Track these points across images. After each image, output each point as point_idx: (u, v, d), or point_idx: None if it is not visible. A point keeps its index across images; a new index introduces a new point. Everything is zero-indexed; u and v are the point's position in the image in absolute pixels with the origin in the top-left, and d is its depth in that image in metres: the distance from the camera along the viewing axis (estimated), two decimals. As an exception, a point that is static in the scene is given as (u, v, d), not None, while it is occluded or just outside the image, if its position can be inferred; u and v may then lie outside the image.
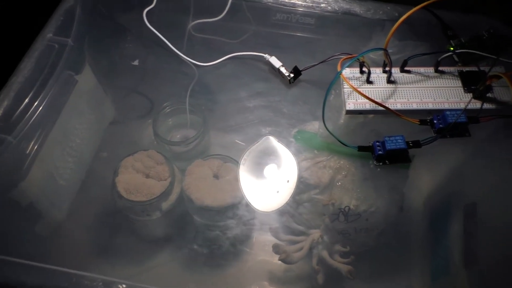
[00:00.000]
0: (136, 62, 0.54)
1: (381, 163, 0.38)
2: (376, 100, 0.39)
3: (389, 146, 0.36)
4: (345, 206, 0.45)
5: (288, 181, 0.46)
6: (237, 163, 0.48)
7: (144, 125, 0.56)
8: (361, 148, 0.39)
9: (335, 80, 0.38)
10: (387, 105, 0.39)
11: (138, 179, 0.47)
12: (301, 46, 0.55)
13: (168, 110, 0.54)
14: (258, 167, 0.47)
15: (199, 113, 0.53)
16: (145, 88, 0.56)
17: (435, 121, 0.39)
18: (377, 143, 0.38)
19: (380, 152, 0.38)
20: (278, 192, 0.46)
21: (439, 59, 0.41)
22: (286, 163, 0.47)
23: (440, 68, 0.43)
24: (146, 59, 0.55)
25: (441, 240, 0.47)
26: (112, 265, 0.48)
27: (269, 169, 0.47)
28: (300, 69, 0.50)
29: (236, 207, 0.47)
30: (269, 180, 0.46)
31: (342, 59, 0.39)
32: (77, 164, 0.53)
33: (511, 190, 0.41)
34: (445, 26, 0.47)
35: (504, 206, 0.40)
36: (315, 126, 0.45)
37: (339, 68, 0.39)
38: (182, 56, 0.53)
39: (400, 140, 0.37)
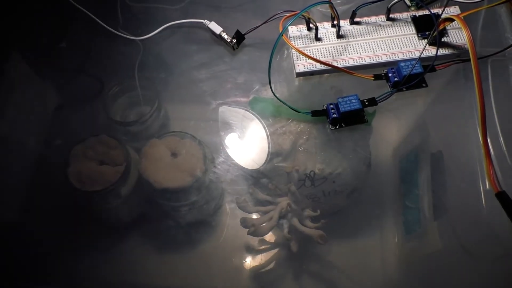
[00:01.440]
0: (63, 44, 0.49)
1: (337, 127, 0.36)
2: (325, 58, 0.37)
3: (343, 108, 0.34)
4: (310, 171, 0.43)
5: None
6: (195, 139, 0.45)
7: (97, 107, 0.53)
8: (315, 113, 0.37)
9: (277, 42, 0.35)
10: (338, 62, 0.36)
11: (91, 167, 0.45)
12: (244, 6, 0.51)
13: (117, 89, 0.50)
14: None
15: (151, 88, 0.50)
16: (90, 68, 0.52)
17: (390, 75, 0.36)
18: (331, 106, 0.36)
19: (334, 116, 0.36)
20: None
21: (389, 5, 0.39)
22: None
23: (392, 16, 0.40)
24: (78, 38, 0.50)
25: (411, 193, 0.46)
26: (78, 257, 0.46)
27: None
28: (243, 33, 0.46)
29: (198, 184, 0.45)
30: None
31: (284, 18, 0.36)
32: (22, 159, 0.50)
33: (475, 136, 0.39)
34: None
35: (468, 152, 0.39)
36: (270, 93, 0.43)
37: (280, 29, 0.35)
38: (111, 31, 0.49)
39: (354, 100, 0.35)
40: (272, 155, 0.44)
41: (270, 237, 0.47)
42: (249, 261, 0.46)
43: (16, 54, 0.48)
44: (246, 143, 0.44)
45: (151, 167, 0.44)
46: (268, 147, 0.44)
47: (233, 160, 0.46)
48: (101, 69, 0.52)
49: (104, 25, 0.48)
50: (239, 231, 0.45)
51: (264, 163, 0.44)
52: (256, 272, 0.46)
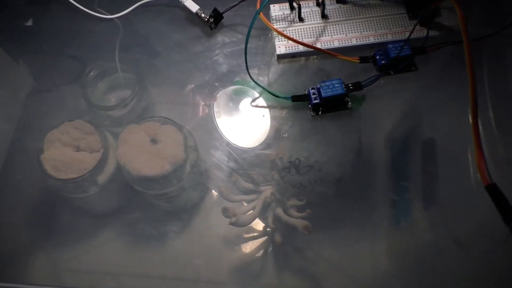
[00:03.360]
0: (30, 22, 0.47)
1: (319, 113, 0.34)
2: (308, 40, 0.34)
3: (326, 93, 0.32)
4: (295, 159, 0.41)
5: (263, 116, 0.42)
6: (176, 124, 0.43)
7: (77, 91, 0.50)
8: (295, 98, 0.34)
9: (254, 20, 0.32)
10: (323, 44, 0.34)
11: (67, 153, 0.43)
12: None
13: (96, 72, 0.48)
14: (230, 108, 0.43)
15: (132, 70, 0.48)
16: (68, 50, 0.50)
17: (377, 57, 0.34)
18: (313, 91, 0.34)
19: (316, 101, 0.33)
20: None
21: (378, -18, 0.36)
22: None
23: (382, -7, 0.37)
24: (55, 19, 0.48)
25: (402, 183, 0.44)
26: (54, 248, 0.45)
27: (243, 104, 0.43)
28: (221, 11, 0.44)
29: (179, 172, 0.43)
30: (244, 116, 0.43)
31: (262, -6, 0.34)
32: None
33: (468, 124, 0.37)
34: None
35: (461, 140, 0.37)
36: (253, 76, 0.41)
37: (258, 6, 0.33)
38: (81, 8, 0.46)
39: (337, 85, 0.33)
40: (256, 142, 0.42)
41: (253, 227, 0.45)
42: (231, 253, 0.44)
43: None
44: (231, 128, 0.42)
45: (128, 153, 0.42)
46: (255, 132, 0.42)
47: (217, 147, 0.45)
48: (80, 51, 0.49)
49: (76, 3, 0.45)
50: (222, 221, 0.44)
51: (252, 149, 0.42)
52: (238, 264, 0.44)
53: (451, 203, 0.38)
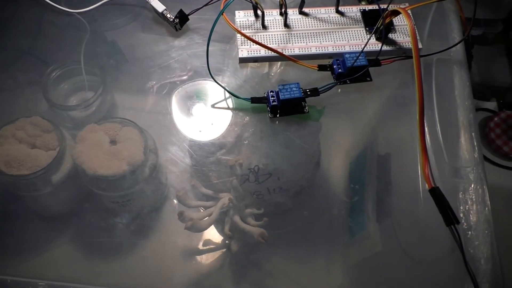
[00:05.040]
0: None
1: (277, 115, 0.35)
2: (271, 46, 0.35)
3: (283, 95, 0.33)
4: (255, 166, 0.42)
5: (212, 124, 0.42)
6: (137, 126, 0.43)
7: (38, 90, 0.49)
8: (254, 100, 0.35)
9: (216, 20, 0.33)
10: (284, 51, 0.35)
11: (21, 150, 0.41)
12: None
13: (59, 72, 0.47)
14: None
15: (96, 72, 0.48)
16: (31, 49, 0.49)
17: (334, 66, 0.35)
18: (271, 93, 0.34)
19: (274, 103, 0.34)
20: (200, 131, 0.41)
21: (339, -4, 0.38)
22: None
23: (342, 8, 0.39)
24: (10, 10, 0.47)
25: (358, 195, 0.45)
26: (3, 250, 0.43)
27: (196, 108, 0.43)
28: (187, 13, 0.44)
29: (137, 173, 0.42)
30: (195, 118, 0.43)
31: (225, -1, 0.35)
32: None
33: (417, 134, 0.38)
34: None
35: (412, 153, 0.38)
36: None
37: (222, 6, 0.34)
38: (47, 2, 0.46)
39: (295, 89, 0.34)
40: (216, 147, 0.42)
41: (211, 239, 0.45)
42: (187, 264, 0.43)
43: None
44: (193, 132, 0.42)
45: (86, 153, 0.41)
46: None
47: (178, 150, 0.44)
48: (44, 51, 0.49)
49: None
50: (179, 229, 0.43)
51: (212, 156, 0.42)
52: (195, 276, 0.43)
53: (401, 214, 0.38)
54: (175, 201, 0.46)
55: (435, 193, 0.30)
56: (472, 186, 0.35)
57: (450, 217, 0.29)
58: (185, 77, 0.42)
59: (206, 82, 0.41)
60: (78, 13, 0.47)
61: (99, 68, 0.47)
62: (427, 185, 0.30)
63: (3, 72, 0.50)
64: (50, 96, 0.46)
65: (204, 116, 0.42)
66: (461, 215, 0.34)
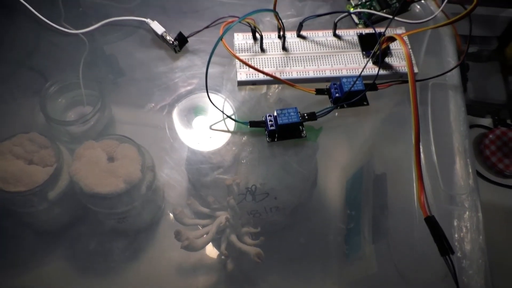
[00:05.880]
0: None
1: (275, 140, 0.35)
2: (269, 69, 0.36)
3: (281, 120, 0.33)
4: (252, 185, 0.42)
5: (210, 137, 0.42)
6: (135, 143, 0.43)
7: (36, 104, 0.49)
8: (253, 124, 0.35)
9: (216, 46, 0.33)
10: (282, 74, 0.35)
11: (18, 166, 0.41)
12: (192, 11, 0.49)
13: (57, 87, 0.48)
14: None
15: (95, 87, 0.48)
16: (32, 63, 0.49)
17: (332, 90, 0.36)
18: (269, 117, 0.35)
19: (272, 128, 0.34)
20: (198, 143, 0.42)
21: (336, 21, 0.38)
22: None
23: (339, 32, 0.40)
24: (20, 31, 0.48)
25: (354, 215, 0.45)
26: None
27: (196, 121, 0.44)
28: (186, 36, 0.45)
29: (133, 191, 0.42)
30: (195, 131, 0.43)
31: (226, 22, 0.35)
32: None
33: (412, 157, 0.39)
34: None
35: (408, 175, 0.38)
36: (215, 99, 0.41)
37: (221, 32, 0.34)
38: (46, 22, 0.46)
39: (293, 113, 0.34)
40: (213, 166, 0.42)
41: (207, 256, 0.45)
42: (183, 282, 0.43)
43: None
44: (187, 148, 0.42)
45: (83, 170, 0.41)
46: (208, 159, 0.42)
47: (175, 168, 0.44)
48: (43, 65, 0.49)
49: (41, 17, 0.45)
50: (176, 246, 0.43)
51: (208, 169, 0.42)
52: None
53: (398, 235, 0.39)
54: (171, 216, 0.46)
55: (431, 222, 0.30)
56: (467, 213, 0.36)
57: (445, 247, 0.29)
58: (182, 99, 0.42)
59: (205, 95, 0.41)
60: (79, 33, 0.47)
61: (97, 83, 0.48)
62: (422, 213, 0.30)
63: (0, 85, 0.50)
64: (48, 111, 0.46)
65: (203, 130, 0.42)
66: (456, 243, 0.35)
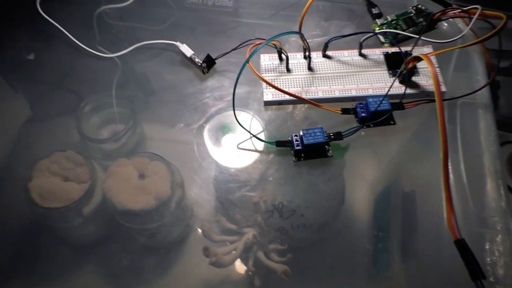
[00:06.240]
0: (31, 56, 0.49)
1: (301, 159, 0.35)
2: (295, 89, 0.36)
3: (307, 140, 0.34)
4: (279, 203, 0.42)
5: (238, 156, 0.43)
6: (165, 161, 0.44)
7: (71, 123, 0.52)
8: (279, 143, 0.36)
9: (243, 68, 0.34)
10: (308, 94, 0.36)
11: (55, 183, 0.43)
12: (219, 32, 0.51)
13: (91, 106, 0.50)
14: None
15: (127, 106, 0.50)
16: (66, 84, 0.52)
17: (358, 110, 0.36)
18: (295, 137, 0.35)
19: (298, 148, 0.35)
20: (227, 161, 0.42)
21: (361, 40, 0.38)
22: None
23: (365, 51, 0.40)
24: (56, 53, 0.50)
25: (383, 234, 0.45)
26: (31, 278, 0.44)
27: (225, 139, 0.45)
28: (214, 58, 0.46)
29: (163, 208, 0.43)
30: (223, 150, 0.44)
31: (252, 45, 0.36)
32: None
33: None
34: (369, 3, 0.43)
35: (439, 195, 0.38)
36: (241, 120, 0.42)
37: (247, 55, 0.35)
38: (82, 46, 0.49)
39: (319, 133, 0.34)
40: (241, 184, 0.43)
41: (235, 271, 0.45)
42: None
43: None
44: (215, 167, 0.43)
45: (115, 187, 0.43)
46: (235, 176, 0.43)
47: (204, 185, 0.45)
48: (78, 86, 0.51)
49: (77, 42, 0.48)
50: (203, 262, 0.44)
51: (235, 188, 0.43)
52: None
53: (427, 256, 0.38)
54: (200, 233, 0.47)
55: (461, 245, 0.30)
56: (499, 237, 0.35)
57: (476, 271, 0.29)
58: (210, 119, 0.44)
59: (232, 115, 0.42)
60: (113, 57, 0.50)
61: (129, 102, 0.49)
62: (452, 236, 0.30)
63: (37, 104, 0.53)
64: (83, 129, 0.48)
65: (231, 149, 0.43)
66: (488, 267, 0.34)
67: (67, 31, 0.50)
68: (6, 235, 0.46)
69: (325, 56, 0.40)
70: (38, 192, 0.42)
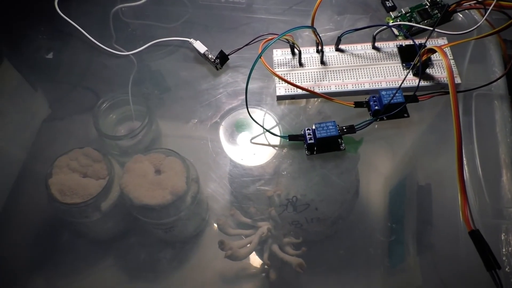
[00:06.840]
0: (50, 55, 0.50)
1: (313, 152, 0.36)
2: (307, 83, 0.36)
3: (320, 134, 0.34)
4: (293, 196, 0.43)
5: (254, 154, 0.43)
6: (180, 156, 0.45)
7: (89, 120, 0.53)
8: (292, 137, 0.36)
9: (255, 63, 0.34)
10: (321, 88, 0.36)
11: (74, 179, 0.44)
12: (232, 28, 0.51)
13: (108, 104, 0.51)
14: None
15: (143, 103, 0.50)
16: (84, 82, 0.53)
17: (371, 103, 0.36)
18: (308, 131, 0.35)
19: (311, 141, 0.35)
20: (242, 159, 0.43)
21: (375, 34, 0.38)
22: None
23: (378, 44, 0.39)
24: (73, 52, 0.51)
25: (398, 226, 0.44)
26: (53, 272, 0.46)
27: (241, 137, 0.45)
28: (227, 54, 0.46)
29: (179, 202, 0.44)
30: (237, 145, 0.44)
31: (265, 40, 0.36)
32: (5, 166, 0.50)
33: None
34: (383, -5, 0.43)
35: (453, 187, 0.37)
36: (255, 114, 0.43)
37: (260, 50, 0.35)
38: (99, 45, 0.50)
39: (331, 127, 0.34)
40: (255, 178, 0.43)
41: (250, 264, 0.46)
42: (226, 287, 0.45)
43: (6, 63, 0.49)
44: (230, 162, 0.43)
45: (132, 182, 0.44)
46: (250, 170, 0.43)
47: (218, 180, 0.46)
48: (95, 84, 0.52)
49: (94, 40, 0.49)
50: (219, 255, 0.44)
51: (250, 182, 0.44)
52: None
53: (443, 248, 0.38)
54: (215, 227, 0.47)
55: (475, 236, 0.29)
56: (515, 227, 0.34)
57: (491, 261, 0.28)
58: (224, 115, 0.44)
59: (245, 110, 0.42)
60: (129, 54, 0.51)
61: (144, 99, 0.50)
62: (466, 227, 0.30)
63: (56, 102, 0.54)
64: (100, 126, 0.49)
65: (245, 143, 0.44)
66: (504, 258, 0.34)
67: (84, 30, 0.51)
68: (29, 230, 0.47)
69: (338, 49, 0.40)
70: (58, 188, 0.43)
